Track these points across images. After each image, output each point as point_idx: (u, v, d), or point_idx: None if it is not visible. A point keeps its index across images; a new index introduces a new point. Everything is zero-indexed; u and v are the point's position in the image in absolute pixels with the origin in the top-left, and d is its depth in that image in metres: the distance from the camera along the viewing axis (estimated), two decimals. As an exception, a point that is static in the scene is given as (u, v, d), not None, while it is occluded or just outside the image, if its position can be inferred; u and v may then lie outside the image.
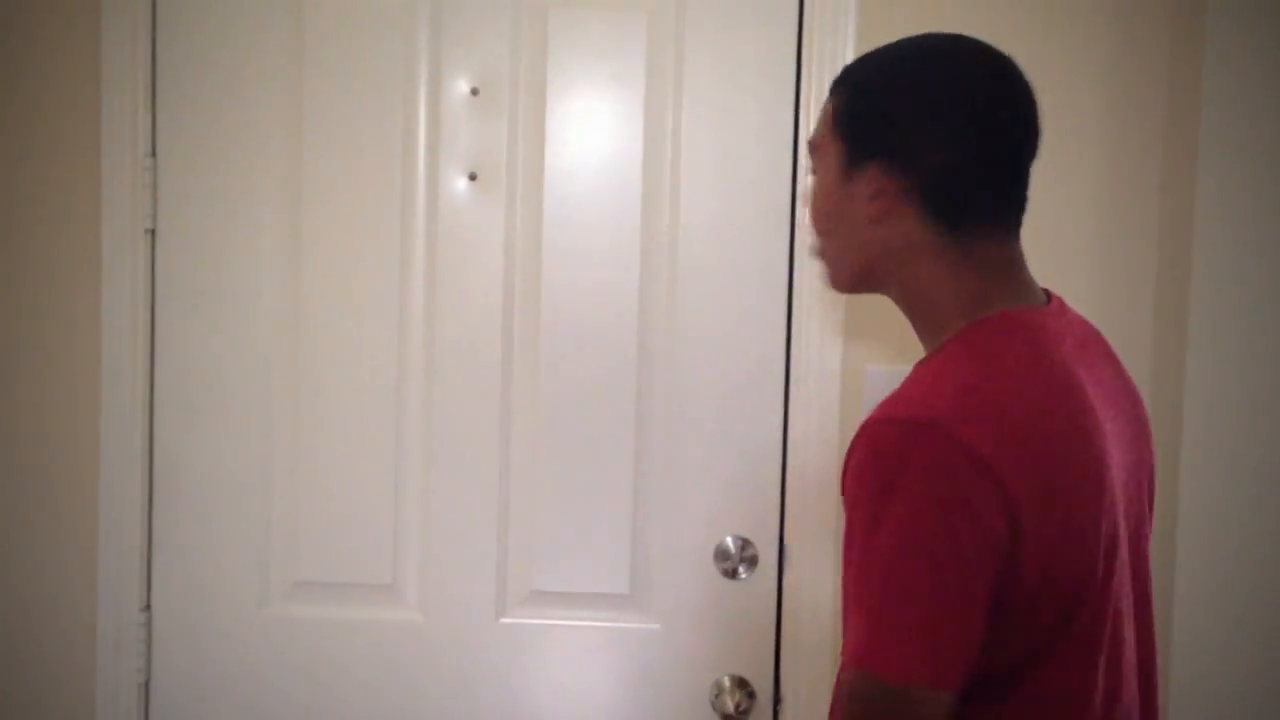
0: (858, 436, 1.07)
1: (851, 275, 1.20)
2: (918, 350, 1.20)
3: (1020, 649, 1.06)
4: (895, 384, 1.13)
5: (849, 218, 1.15)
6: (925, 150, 1.10)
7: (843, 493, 1.09)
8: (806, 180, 1.25)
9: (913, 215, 1.12)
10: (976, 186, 1.12)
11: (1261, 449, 1.70)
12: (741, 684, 1.85)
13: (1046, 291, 1.19)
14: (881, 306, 1.25)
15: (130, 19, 1.82)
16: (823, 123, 1.19)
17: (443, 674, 1.88)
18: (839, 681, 1.07)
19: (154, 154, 1.85)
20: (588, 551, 1.87)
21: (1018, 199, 1.15)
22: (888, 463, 1.02)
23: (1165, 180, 1.78)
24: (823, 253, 1.21)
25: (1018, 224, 1.15)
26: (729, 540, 1.84)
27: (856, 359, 1.81)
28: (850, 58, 1.75)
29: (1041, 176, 1.19)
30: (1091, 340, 1.20)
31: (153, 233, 1.86)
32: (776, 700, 1.86)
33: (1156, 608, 1.23)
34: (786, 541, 1.84)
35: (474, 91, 1.83)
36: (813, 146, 1.21)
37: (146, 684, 1.90)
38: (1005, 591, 1.02)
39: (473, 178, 1.84)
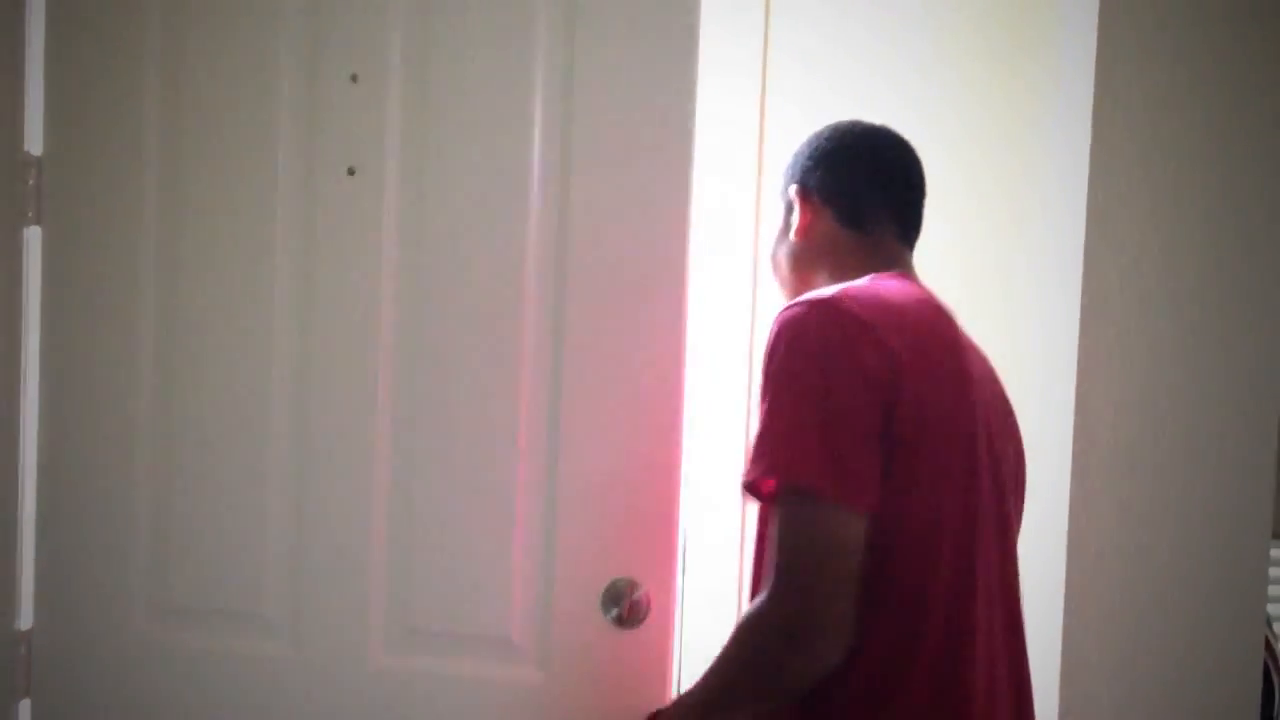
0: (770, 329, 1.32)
1: (801, 281, 1.52)
2: None
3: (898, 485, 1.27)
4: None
5: (789, 246, 1.54)
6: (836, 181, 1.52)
7: None
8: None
9: (830, 218, 1.52)
10: (872, 204, 1.51)
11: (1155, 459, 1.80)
12: (633, 744, 1.63)
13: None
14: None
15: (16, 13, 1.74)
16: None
17: (310, 715, 1.72)
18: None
19: (35, 149, 1.77)
20: (468, 588, 1.68)
21: (907, 221, 1.52)
22: (787, 332, 1.29)
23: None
24: (785, 284, 1.56)
25: (908, 239, 1.52)
26: (619, 581, 1.63)
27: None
28: (759, 49, 1.60)
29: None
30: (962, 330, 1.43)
31: (33, 230, 1.77)
32: (673, 764, 1.63)
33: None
34: (685, 584, 1.62)
35: (354, 78, 1.69)
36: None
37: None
38: (891, 435, 1.26)
39: (351, 172, 1.69)
